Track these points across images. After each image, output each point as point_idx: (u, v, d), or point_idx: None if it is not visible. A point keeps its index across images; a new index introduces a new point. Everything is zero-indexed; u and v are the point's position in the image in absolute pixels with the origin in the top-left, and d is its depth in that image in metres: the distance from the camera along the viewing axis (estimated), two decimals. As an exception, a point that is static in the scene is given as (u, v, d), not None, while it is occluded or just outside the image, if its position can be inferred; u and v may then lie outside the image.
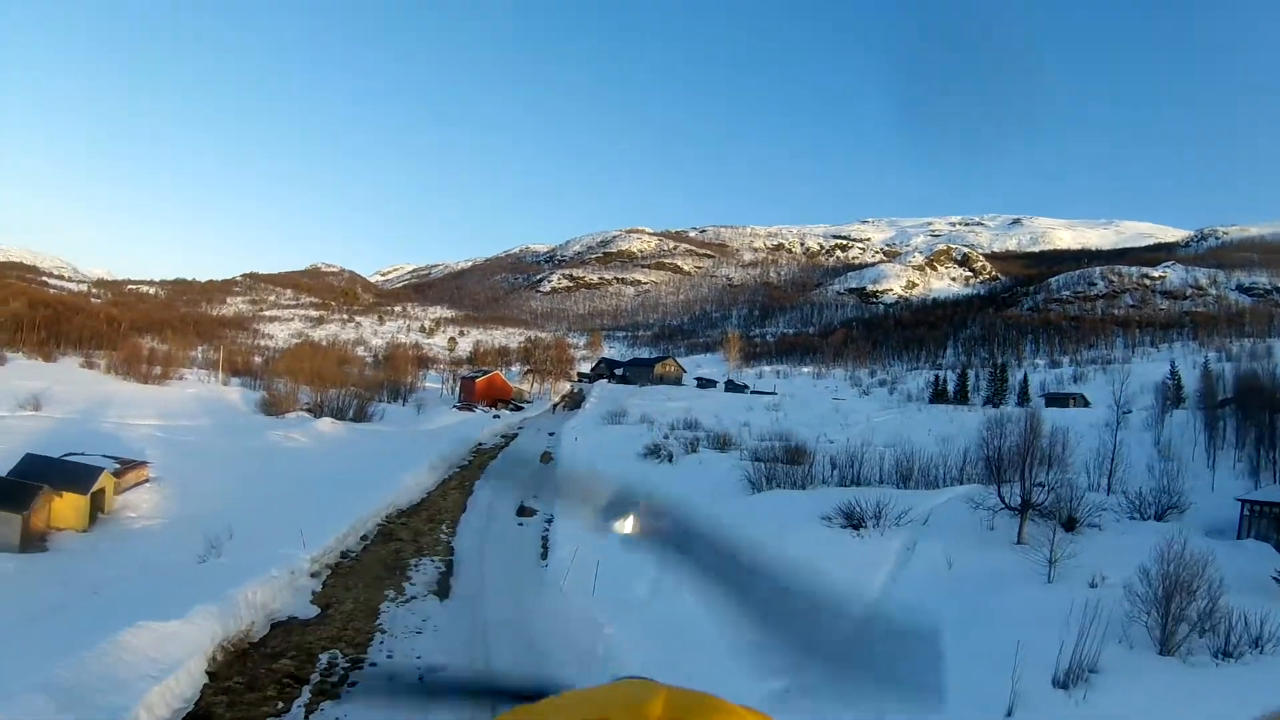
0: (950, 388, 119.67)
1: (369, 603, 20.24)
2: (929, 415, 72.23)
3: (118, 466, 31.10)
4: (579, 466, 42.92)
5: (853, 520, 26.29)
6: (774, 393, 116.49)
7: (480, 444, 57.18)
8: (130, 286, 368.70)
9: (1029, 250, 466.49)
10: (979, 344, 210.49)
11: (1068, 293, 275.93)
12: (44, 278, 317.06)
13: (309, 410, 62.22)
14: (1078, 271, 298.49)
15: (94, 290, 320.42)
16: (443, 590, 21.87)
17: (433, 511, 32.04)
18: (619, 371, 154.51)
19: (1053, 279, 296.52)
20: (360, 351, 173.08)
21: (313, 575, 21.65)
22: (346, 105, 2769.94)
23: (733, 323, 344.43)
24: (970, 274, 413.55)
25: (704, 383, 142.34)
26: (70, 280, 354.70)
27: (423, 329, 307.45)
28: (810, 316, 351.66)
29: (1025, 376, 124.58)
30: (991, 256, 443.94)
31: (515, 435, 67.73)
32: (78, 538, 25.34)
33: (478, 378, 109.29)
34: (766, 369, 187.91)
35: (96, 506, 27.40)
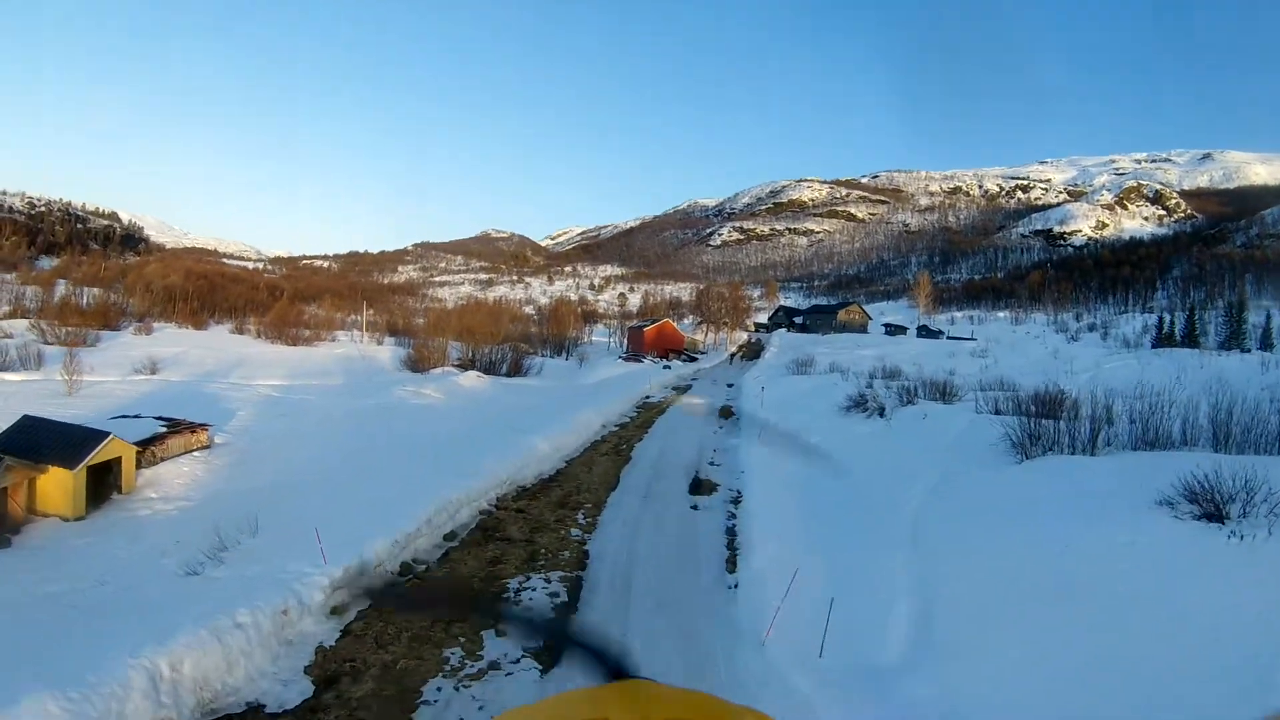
0: (1177, 331, 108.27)
1: (407, 678, 10.50)
2: (1170, 361, 59.46)
3: (161, 429, 23.38)
4: (770, 423, 32.86)
5: (1210, 506, 14.12)
6: (973, 338, 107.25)
7: (647, 397, 49.88)
8: (305, 261, 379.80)
9: (1223, 187, 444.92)
10: (1195, 283, 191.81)
11: None
12: (224, 259, 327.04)
13: (459, 366, 55.20)
14: None
15: (269, 267, 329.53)
16: (550, 644, 10.85)
17: (569, 489, 22.13)
18: (799, 320, 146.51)
19: (1266, 211, 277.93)
20: (528, 310, 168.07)
21: (333, 612, 12.29)
22: (514, 75, 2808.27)
23: (912, 269, 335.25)
24: (1164, 212, 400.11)
25: (893, 329, 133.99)
26: (250, 260, 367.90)
27: (592, 286, 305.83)
28: (995, 261, 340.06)
29: (1269, 317, 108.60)
30: (1185, 194, 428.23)
31: (689, 387, 60.27)
32: (58, 529, 17.53)
33: (646, 327, 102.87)
34: (958, 314, 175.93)
35: (109, 484, 19.65)
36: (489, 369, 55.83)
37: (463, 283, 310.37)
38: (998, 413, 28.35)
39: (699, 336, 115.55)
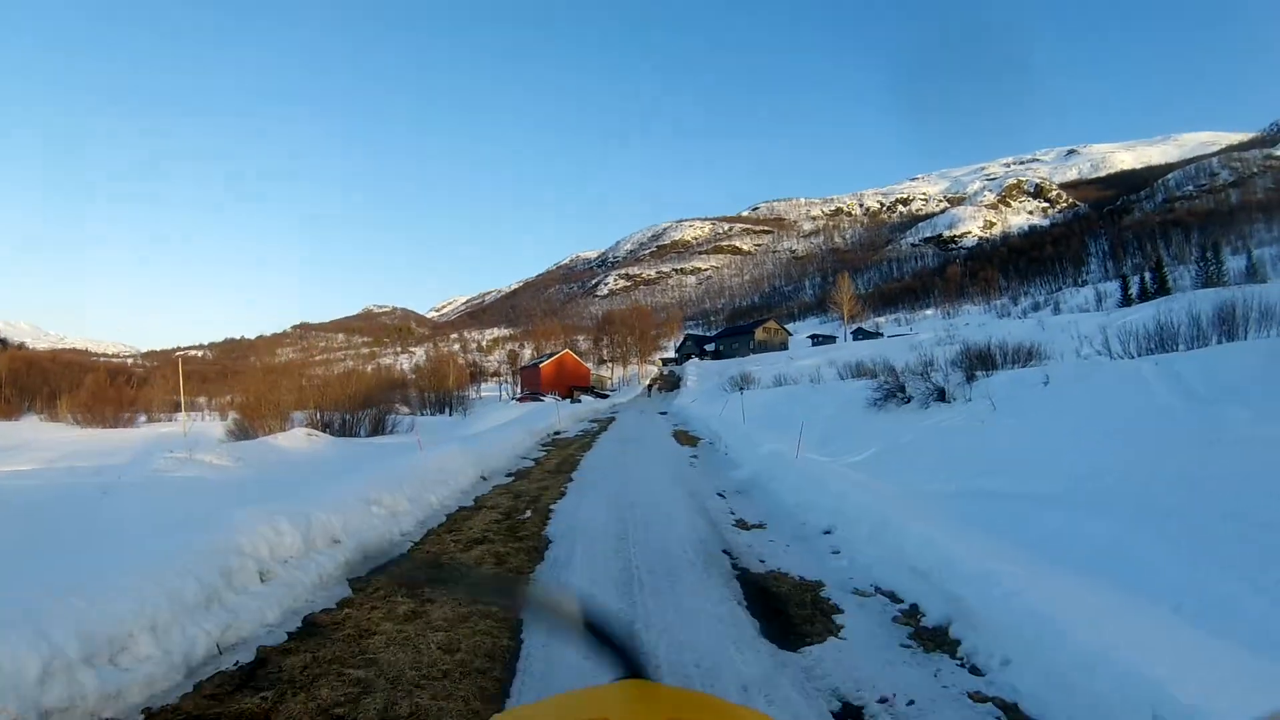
0: (1139, 290, 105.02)
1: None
2: (1177, 304, 47.19)
3: None
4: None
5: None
6: (912, 332, 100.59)
7: (557, 433, 35.78)
8: (180, 353, 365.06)
9: (1093, 176, 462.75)
10: (1130, 250, 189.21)
11: (1190, 187, 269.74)
12: (95, 357, 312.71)
13: (309, 428, 39.63)
14: (1192, 165, 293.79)
15: (139, 361, 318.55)
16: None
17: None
18: (710, 347, 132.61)
19: (1167, 176, 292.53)
20: (410, 375, 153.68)
21: None
22: (383, 148, 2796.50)
23: (807, 292, 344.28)
24: (1046, 204, 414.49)
25: (821, 339, 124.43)
26: (122, 357, 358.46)
27: (479, 348, 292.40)
28: (891, 272, 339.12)
29: (1251, 255, 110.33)
30: (1061, 186, 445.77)
31: (612, 420, 47.03)
32: None
33: (542, 363, 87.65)
34: (880, 319, 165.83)
35: None
36: (345, 430, 41.38)
37: (344, 359, 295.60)
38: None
39: (605, 374, 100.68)
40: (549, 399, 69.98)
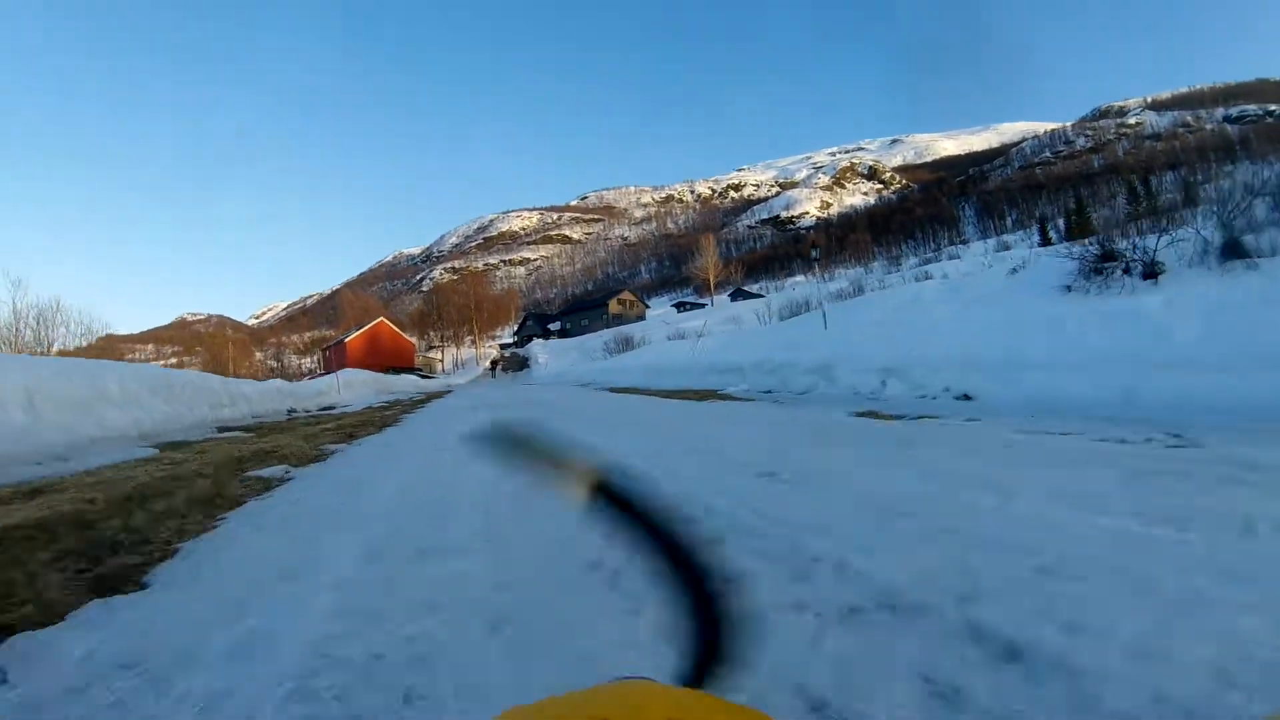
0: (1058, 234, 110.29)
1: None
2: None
3: None
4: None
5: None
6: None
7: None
8: None
9: (918, 162, 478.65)
10: (1010, 206, 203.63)
11: (1048, 153, 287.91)
12: None
13: None
14: (1046, 133, 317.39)
15: None
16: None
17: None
18: (555, 326, 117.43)
19: (1021, 145, 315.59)
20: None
21: None
22: (202, 147, 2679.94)
23: (642, 276, 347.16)
24: (880, 185, 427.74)
25: (688, 305, 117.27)
26: None
27: (296, 350, 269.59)
28: (730, 253, 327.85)
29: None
30: (894, 170, 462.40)
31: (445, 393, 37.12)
32: None
33: (348, 338, 68.61)
34: (751, 287, 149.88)
35: None
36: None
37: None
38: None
39: (435, 356, 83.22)
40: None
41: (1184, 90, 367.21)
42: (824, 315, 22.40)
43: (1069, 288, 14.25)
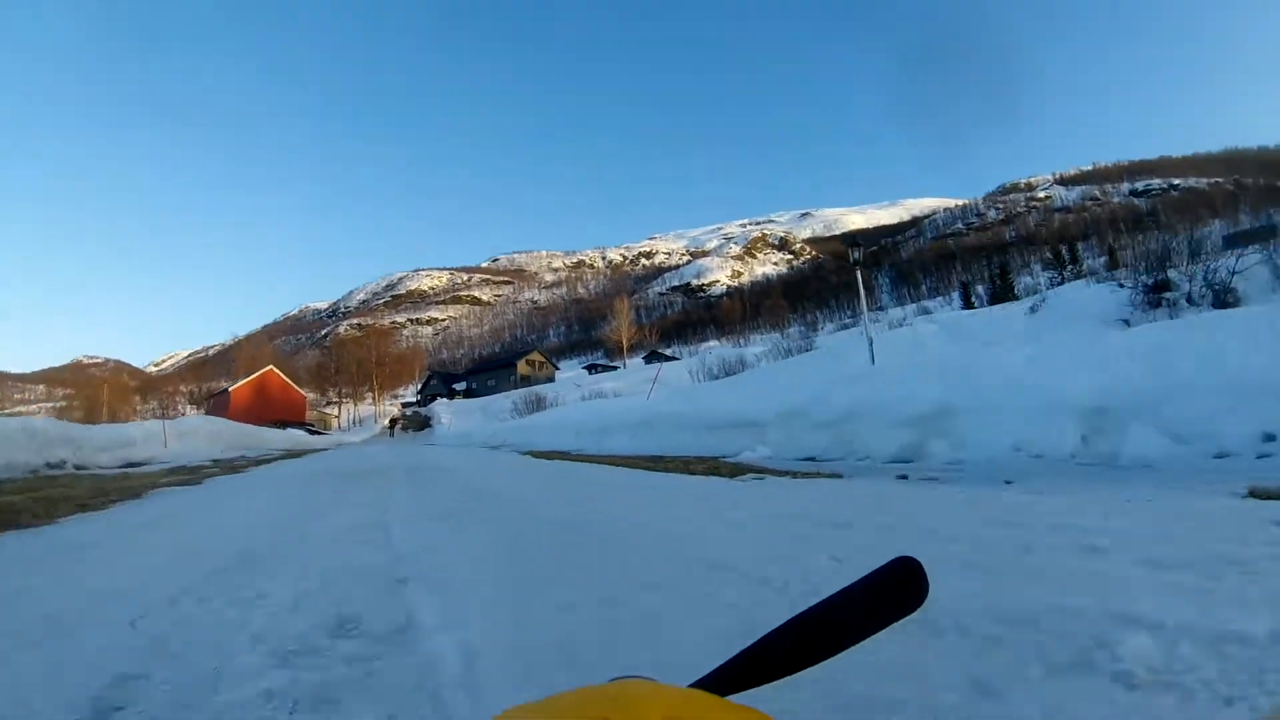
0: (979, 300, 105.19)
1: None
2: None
3: None
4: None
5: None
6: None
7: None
8: None
9: (829, 235, 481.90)
10: (924, 274, 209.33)
11: (960, 225, 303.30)
12: None
13: None
14: (958, 206, 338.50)
15: None
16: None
17: None
18: (460, 386, 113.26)
19: (933, 217, 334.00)
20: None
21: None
22: (102, 187, 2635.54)
23: (551, 339, 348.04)
24: (790, 256, 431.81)
25: (600, 368, 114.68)
26: None
27: (187, 399, 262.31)
28: (641, 319, 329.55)
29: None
30: (803, 242, 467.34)
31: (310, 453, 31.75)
32: None
33: (233, 386, 65.52)
34: (665, 350, 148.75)
35: None
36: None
37: (39, 413, 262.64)
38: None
39: (330, 412, 78.88)
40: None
41: (1089, 167, 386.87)
42: (870, 346, 19.26)
43: (1127, 321, 13.36)
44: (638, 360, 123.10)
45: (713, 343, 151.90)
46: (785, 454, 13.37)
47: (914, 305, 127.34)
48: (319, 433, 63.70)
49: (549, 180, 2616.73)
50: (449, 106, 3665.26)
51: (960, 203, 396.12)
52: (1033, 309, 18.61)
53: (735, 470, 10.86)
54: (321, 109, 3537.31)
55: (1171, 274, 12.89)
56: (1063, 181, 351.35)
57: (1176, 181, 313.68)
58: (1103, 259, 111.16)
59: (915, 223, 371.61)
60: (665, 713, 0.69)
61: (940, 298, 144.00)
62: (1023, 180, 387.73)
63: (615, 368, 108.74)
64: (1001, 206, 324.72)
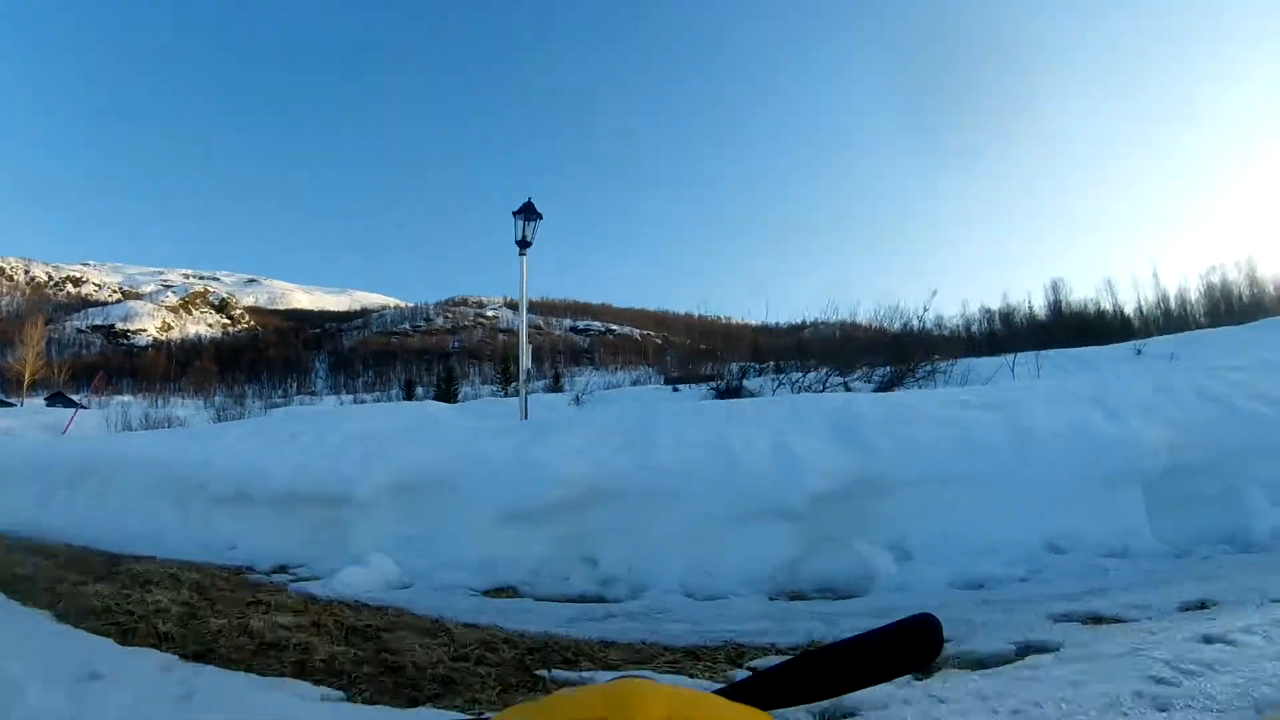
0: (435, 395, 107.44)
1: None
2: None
3: None
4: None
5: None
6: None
7: None
8: None
9: (273, 308, 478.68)
10: (364, 366, 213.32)
11: (408, 325, 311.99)
12: None
13: None
14: (408, 307, 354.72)
15: None
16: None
17: None
18: None
19: (381, 312, 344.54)
20: None
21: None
22: None
23: None
24: (228, 321, 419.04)
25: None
26: None
27: None
28: (51, 354, 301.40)
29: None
30: (245, 309, 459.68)
31: None
32: None
33: None
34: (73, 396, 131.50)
35: None
36: None
37: None
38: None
39: None
40: None
41: (537, 299, 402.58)
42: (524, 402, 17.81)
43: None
44: (38, 400, 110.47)
45: (127, 397, 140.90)
46: (437, 577, 8.13)
47: (350, 396, 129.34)
48: None
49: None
50: None
51: (410, 305, 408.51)
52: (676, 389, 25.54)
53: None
54: None
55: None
56: (511, 306, 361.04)
57: (614, 327, 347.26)
58: (544, 381, 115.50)
59: (363, 314, 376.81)
60: (665, 712, 0.71)
61: (379, 390, 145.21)
62: (473, 297, 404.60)
63: (12, 404, 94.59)
64: (451, 316, 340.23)
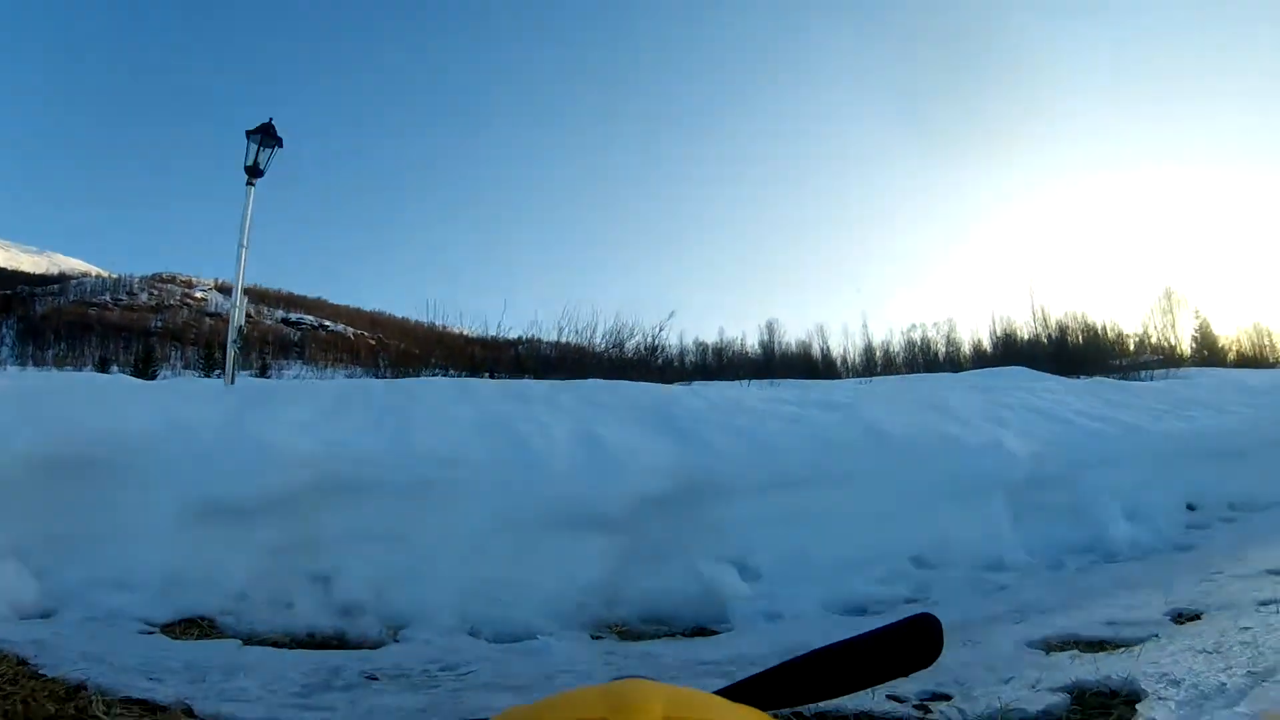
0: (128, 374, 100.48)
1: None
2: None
3: None
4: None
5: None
6: None
7: None
8: None
9: None
10: (59, 338, 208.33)
11: (108, 297, 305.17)
12: None
13: None
14: (111, 278, 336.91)
15: None
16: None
17: None
18: None
19: (81, 280, 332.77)
20: None
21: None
22: None
23: None
24: None
25: None
26: None
27: None
28: None
29: None
30: None
31: None
32: None
33: None
34: None
35: None
36: None
37: None
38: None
39: None
40: None
41: (250, 285, 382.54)
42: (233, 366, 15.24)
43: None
44: None
45: None
46: (96, 600, 4.79)
47: (39, 368, 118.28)
48: None
49: None
50: None
51: (114, 275, 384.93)
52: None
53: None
54: None
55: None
56: (223, 289, 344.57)
57: (328, 323, 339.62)
58: (251, 371, 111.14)
59: (61, 279, 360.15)
60: (665, 712, 0.69)
61: (72, 366, 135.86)
62: (182, 275, 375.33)
63: None
64: (157, 292, 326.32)
